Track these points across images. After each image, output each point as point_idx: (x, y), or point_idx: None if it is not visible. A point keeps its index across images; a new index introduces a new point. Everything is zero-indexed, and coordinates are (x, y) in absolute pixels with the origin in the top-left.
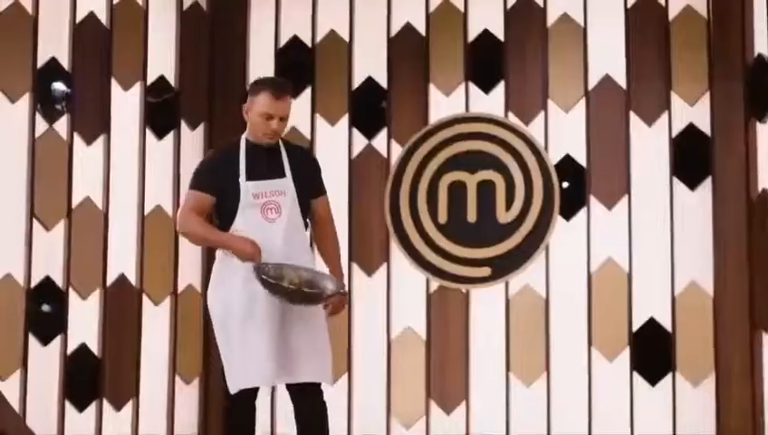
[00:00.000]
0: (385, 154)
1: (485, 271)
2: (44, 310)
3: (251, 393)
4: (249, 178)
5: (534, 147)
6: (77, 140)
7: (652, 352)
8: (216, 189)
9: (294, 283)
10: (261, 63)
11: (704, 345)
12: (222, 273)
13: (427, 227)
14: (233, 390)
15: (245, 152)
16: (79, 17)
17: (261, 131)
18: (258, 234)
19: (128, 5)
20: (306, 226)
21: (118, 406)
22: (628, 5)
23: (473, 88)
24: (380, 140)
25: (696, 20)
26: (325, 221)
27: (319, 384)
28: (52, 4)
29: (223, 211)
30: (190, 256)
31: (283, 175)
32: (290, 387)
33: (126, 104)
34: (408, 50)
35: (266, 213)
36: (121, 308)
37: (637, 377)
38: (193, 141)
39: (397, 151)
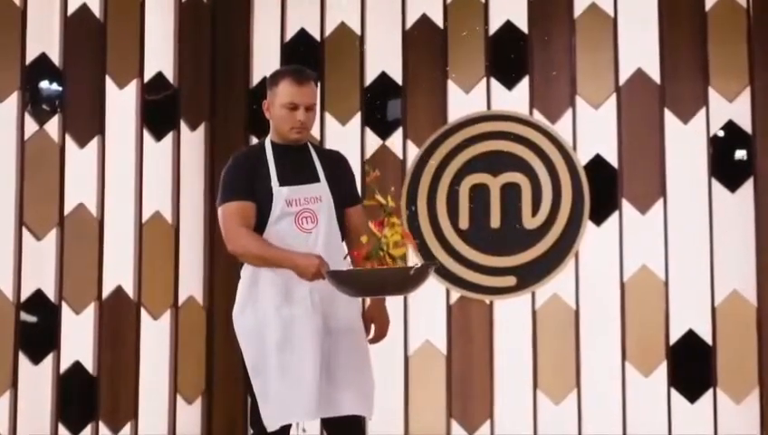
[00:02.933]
0: (401, 155)
1: (510, 280)
2: (35, 325)
3: (286, 427)
4: (282, 183)
5: (562, 146)
6: (69, 141)
7: (691, 367)
8: (254, 195)
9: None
10: (266, 59)
11: (747, 359)
12: (249, 295)
13: (447, 234)
14: (272, 426)
15: (273, 155)
16: (70, 9)
17: (287, 126)
18: (293, 247)
19: None
20: (342, 236)
21: (115, 428)
22: None
23: (495, 84)
24: (395, 141)
25: (736, 9)
26: (361, 232)
27: (362, 418)
28: None
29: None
30: (191, 266)
31: (317, 179)
32: (328, 419)
33: (121, 103)
34: (424, 43)
35: (301, 222)
36: (118, 323)
37: (675, 394)
38: (193, 142)
39: (413, 152)
